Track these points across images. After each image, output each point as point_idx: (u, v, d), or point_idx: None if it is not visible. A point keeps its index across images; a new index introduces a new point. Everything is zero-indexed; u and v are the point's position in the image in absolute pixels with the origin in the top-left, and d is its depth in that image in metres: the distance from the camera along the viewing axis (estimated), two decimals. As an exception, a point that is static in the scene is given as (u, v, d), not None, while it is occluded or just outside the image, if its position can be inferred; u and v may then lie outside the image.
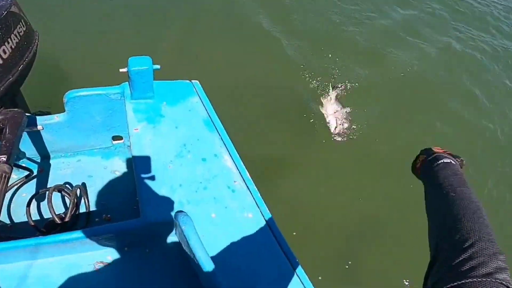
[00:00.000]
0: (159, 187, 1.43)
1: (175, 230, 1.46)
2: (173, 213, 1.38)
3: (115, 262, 1.54)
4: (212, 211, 1.42)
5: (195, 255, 1.31)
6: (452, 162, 1.08)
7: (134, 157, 1.49)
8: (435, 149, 1.20)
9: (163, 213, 1.39)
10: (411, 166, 1.26)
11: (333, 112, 3.72)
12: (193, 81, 1.79)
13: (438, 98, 4.15)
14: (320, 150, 3.47)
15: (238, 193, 1.48)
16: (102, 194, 1.78)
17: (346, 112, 3.75)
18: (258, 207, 1.46)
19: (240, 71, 3.87)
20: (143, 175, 1.44)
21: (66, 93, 1.68)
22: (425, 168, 1.15)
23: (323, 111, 3.75)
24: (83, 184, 1.80)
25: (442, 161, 1.09)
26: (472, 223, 0.80)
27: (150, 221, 1.37)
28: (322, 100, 3.82)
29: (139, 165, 1.46)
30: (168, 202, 1.40)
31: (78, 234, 1.39)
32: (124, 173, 1.81)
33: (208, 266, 1.30)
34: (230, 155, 1.55)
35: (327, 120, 3.68)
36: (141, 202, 1.39)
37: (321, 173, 3.28)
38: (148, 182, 1.44)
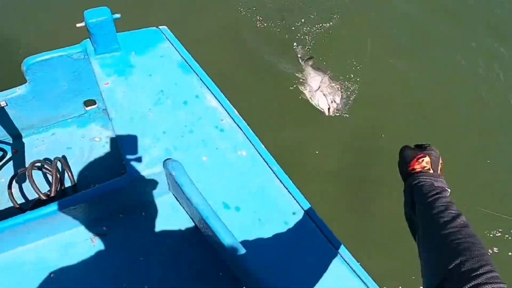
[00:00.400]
0: (142, 138, 1.39)
1: (167, 181, 1.43)
2: (161, 163, 1.36)
3: (112, 232, 1.52)
4: (203, 155, 1.39)
5: (192, 202, 1.30)
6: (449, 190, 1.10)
7: (109, 112, 1.44)
8: (441, 161, 1.18)
9: (150, 165, 1.36)
10: (405, 156, 1.21)
11: (317, 88, 3.20)
12: (160, 27, 1.72)
13: (432, 37, 3.91)
14: (318, 135, 3.06)
15: (228, 131, 1.44)
16: (86, 165, 1.74)
17: (331, 80, 3.25)
18: (252, 143, 1.43)
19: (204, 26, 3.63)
20: (122, 129, 1.40)
21: (24, 60, 1.61)
22: (424, 184, 1.11)
23: (306, 90, 3.25)
24: (64, 157, 1.76)
25: (445, 187, 1.09)
26: (483, 252, 0.86)
27: (137, 175, 1.34)
28: (298, 76, 3.34)
29: (116, 119, 1.42)
30: (154, 153, 1.37)
31: (64, 203, 1.36)
32: (105, 139, 1.77)
33: (206, 211, 1.28)
34: (213, 94, 1.51)
35: (315, 102, 3.16)
36: (125, 157, 1.36)
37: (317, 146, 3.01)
38: (129, 135, 1.40)
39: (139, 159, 1.36)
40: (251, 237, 1.31)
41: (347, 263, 1.32)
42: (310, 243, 1.36)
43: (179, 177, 1.29)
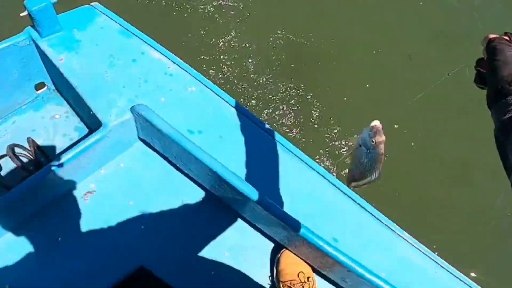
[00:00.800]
0: (107, 95, 1.75)
1: (136, 127, 1.80)
2: (128, 110, 1.72)
3: (99, 187, 1.85)
4: (161, 97, 1.78)
5: (164, 133, 1.69)
6: None
7: (71, 82, 1.76)
8: None
9: (120, 115, 1.72)
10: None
11: None
12: (92, 3, 2.05)
13: None
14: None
15: (176, 75, 1.85)
16: (55, 140, 2.02)
17: None
18: (198, 80, 1.85)
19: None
20: (88, 92, 1.74)
21: (-29, 58, 1.86)
22: None
23: None
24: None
25: None
26: None
27: (111, 125, 1.70)
28: None
29: (80, 85, 1.75)
30: (120, 104, 1.74)
31: (53, 166, 1.68)
32: (64, 114, 2.07)
33: (177, 136, 1.68)
34: (155, 49, 1.89)
35: None
36: (97, 112, 1.71)
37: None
38: (95, 95, 1.74)
39: (109, 112, 1.72)
40: (217, 151, 1.73)
41: (292, 153, 1.81)
42: (262, 144, 1.83)
43: (148, 115, 1.66)
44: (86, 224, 1.78)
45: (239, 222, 1.88)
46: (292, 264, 1.82)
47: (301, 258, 1.83)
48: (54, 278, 1.67)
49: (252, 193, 1.60)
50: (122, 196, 1.83)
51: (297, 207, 1.71)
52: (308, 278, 1.78)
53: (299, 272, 1.78)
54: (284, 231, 1.67)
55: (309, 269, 1.84)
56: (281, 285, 1.78)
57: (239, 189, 1.60)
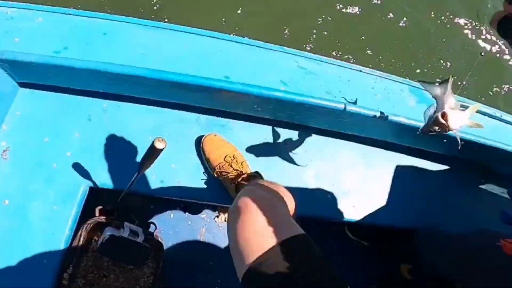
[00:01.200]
0: None
1: (8, 73, 1.90)
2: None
3: (10, 141, 1.95)
4: (13, 38, 1.88)
5: (35, 63, 1.80)
6: None
7: None
8: None
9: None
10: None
11: None
12: None
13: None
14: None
15: (17, 15, 1.93)
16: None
17: None
18: (40, 10, 1.98)
19: None
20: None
21: None
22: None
23: None
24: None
25: None
26: None
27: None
28: None
29: None
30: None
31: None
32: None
33: (49, 59, 1.79)
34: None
35: None
36: None
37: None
38: None
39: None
40: (89, 55, 1.91)
41: (148, 25, 2.06)
42: (123, 31, 2.04)
43: (9, 55, 1.72)
44: (17, 178, 1.90)
45: (150, 108, 2.14)
46: (215, 149, 2.02)
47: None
48: (11, 240, 1.81)
49: (141, 71, 1.81)
50: (34, 138, 1.95)
51: (180, 67, 1.94)
52: (233, 156, 1.98)
53: (225, 156, 1.98)
54: (183, 91, 1.93)
55: (232, 147, 2.05)
56: (215, 173, 1.98)
57: (129, 73, 1.80)
